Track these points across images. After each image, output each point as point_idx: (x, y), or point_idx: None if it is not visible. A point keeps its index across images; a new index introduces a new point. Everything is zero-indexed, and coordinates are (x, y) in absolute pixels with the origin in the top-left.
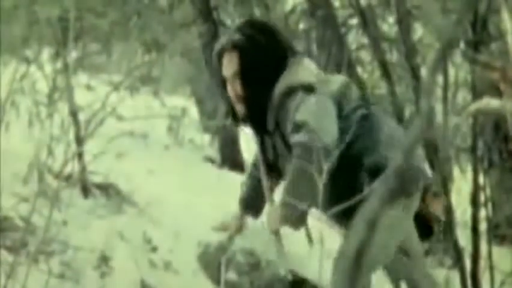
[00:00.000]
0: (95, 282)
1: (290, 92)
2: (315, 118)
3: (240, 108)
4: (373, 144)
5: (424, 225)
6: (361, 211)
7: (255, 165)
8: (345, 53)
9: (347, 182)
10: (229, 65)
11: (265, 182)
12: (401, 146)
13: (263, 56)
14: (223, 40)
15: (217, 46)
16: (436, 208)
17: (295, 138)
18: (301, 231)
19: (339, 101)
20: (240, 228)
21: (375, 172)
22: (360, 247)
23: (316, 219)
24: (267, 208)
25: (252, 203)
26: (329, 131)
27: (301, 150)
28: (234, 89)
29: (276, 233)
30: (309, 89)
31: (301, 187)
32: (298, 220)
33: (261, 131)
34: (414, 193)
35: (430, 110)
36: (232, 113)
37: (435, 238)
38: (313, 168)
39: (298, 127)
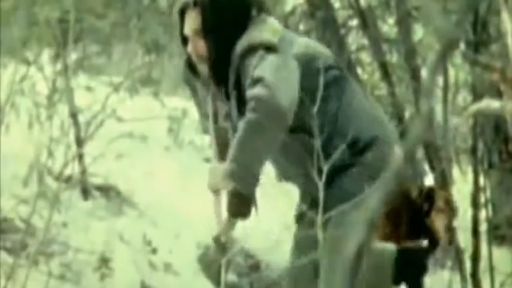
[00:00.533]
0: (95, 284)
1: (251, 50)
2: (273, 75)
3: (203, 69)
4: (346, 110)
5: (430, 237)
6: (360, 211)
7: None
8: (345, 54)
9: (310, 145)
10: (191, 23)
11: (213, 143)
12: (372, 118)
13: (225, 13)
14: None
15: (180, 3)
16: (439, 225)
17: (251, 92)
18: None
19: (306, 61)
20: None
21: (352, 144)
22: (360, 248)
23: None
24: (211, 166)
25: None
26: (286, 92)
27: (256, 103)
28: (195, 47)
29: (217, 193)
30: (271, 48)
31: (253, 142)
32: (246, 180)
33: (221, 92)
34: None
35: (430, 111)
36: (189, 67)
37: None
38: (268, 123)
39: (255, 82)
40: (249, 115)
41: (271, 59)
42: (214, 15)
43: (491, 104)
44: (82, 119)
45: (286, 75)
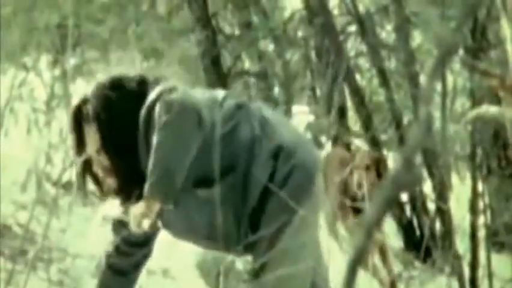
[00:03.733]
0: None
1: (153, 105)
2: (184, 89)
3: (111, 182)
4: (261, 128)
5: None
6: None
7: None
8: (344, 60)
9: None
10: (92, 142)
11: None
12: (291, 128)
13: (124, 126)
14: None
15: (73, 113)
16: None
17: (162, 100)
18: None
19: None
20: None
21: (276, 155)
22: (358, 255)
23: None
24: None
25: None
26: (196, 97)
27: (167, 106)
28: (101, 164)
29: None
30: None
31: (170, 147)
32: (166, 190)
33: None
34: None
35: (429, 117)
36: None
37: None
38: (182, 122)
39: (165, 96)
40: (164, 120)
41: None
42: (112, 127)
43: (489, 110)
44: None
45: (195, 93)
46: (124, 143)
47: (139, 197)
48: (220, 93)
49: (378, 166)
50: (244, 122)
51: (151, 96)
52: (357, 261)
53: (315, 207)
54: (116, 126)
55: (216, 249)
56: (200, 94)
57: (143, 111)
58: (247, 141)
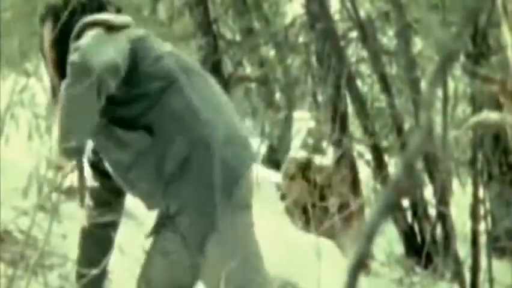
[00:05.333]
0: None
1: (80, 31)
2: (88, 42)
3: (56, 78)
4: (187, 107)
5: None
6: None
7: None
8: (345, 66)
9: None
10: (46, 37)
11: None
12: (225, 118)
13: (73, 18)
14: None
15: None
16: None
17: (68, 60)
18: None
19: (141, 46)
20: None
21: (194, 146)
22: (359, 260)
23: None
24: None
25: None
26: (100, 55)
27: (73, 69)
28: (52, 58)
29: (59, 168)
30: (103, 25)
31: (74, 110)
32: (71, 149)
33: None
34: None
35: (430, 123)
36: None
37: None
38: (79, 84)
39: (72, 51)
40: (66, 81)
41: (96, 31)
42: (58, 32)
43: (490, 116)
44: None
45: (104, 43)
46: (63, 46)
47: None
48: (167, 46)
49: (305, 171)
50: (181, 88)
51: (84, 20)
52: (358, 266)
53: (239, 210)
54: (60, 28)
55: (128, 192)
56: (118, 44)
57: (73, 32)
58: (172, 110)
